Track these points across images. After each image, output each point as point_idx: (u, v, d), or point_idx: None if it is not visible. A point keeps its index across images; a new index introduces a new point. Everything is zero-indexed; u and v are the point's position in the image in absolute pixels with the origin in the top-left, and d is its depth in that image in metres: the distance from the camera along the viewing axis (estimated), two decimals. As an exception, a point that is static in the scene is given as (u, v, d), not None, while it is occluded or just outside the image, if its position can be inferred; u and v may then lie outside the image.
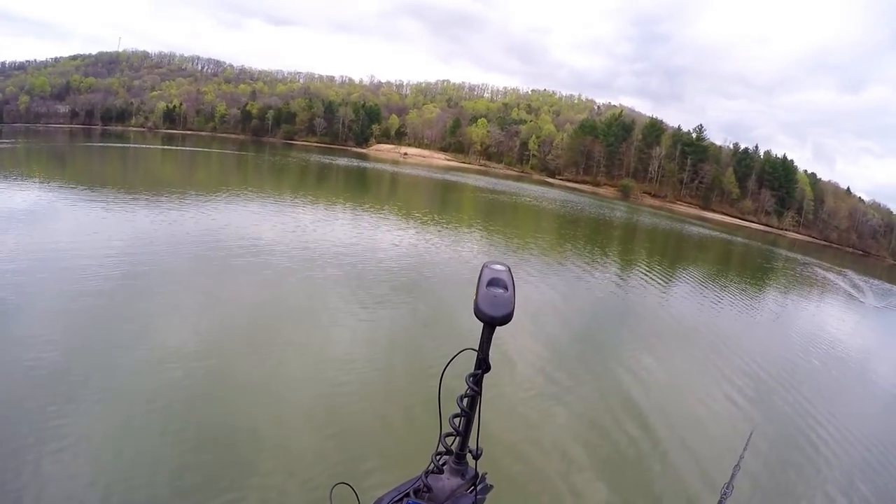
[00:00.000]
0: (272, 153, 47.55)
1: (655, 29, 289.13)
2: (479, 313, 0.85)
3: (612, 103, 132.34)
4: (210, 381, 4.41)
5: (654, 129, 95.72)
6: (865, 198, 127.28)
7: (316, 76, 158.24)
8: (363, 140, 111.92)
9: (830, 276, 25.25)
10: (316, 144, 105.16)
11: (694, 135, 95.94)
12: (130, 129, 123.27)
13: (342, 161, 46.02)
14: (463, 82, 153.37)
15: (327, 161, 42.73)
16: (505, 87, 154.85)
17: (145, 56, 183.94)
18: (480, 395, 0.87)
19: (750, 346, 7.65)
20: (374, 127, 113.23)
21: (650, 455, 4.22)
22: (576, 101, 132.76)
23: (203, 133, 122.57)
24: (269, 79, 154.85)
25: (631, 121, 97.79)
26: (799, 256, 35.37)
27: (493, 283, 0.88)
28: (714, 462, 4.11)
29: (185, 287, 6.34)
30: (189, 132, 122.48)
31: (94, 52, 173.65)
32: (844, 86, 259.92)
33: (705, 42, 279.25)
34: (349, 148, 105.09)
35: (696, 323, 8.59)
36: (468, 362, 0.86)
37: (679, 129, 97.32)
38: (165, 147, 44.44)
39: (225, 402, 4.18)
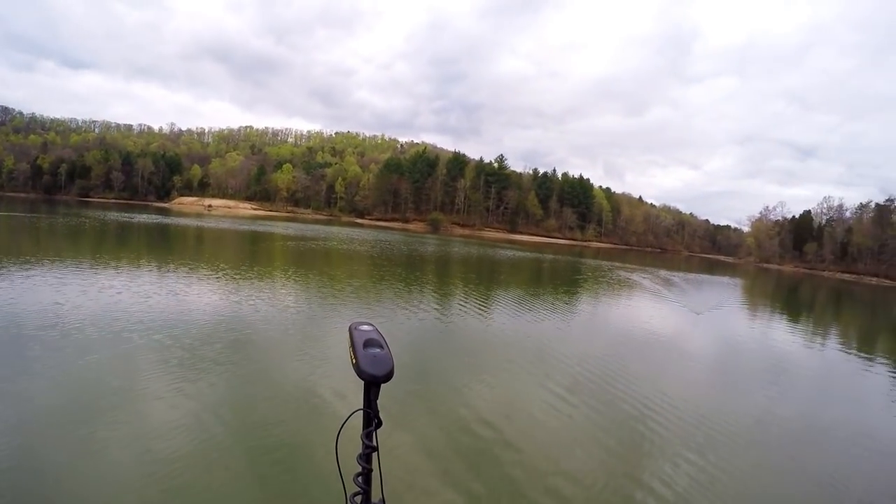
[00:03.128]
0: (66, 213, 40.62)
1: (452, 69, 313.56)
2: (362, 374, 0.90)
3: (415, 141, 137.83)
4: (22, 483, 3.65)
5: (458, 162, 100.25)
6: (656, 203, 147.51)
7: (113, 125, 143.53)
8: (164, 194, 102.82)
9: (635, 276, 26.52)
10: (114, 201, 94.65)
11: (496, 164, 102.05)
12: None
13: (143, 218, 41.21)
14: (266, 128, 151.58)
15: (126, 219, 37.81)
16: (309, 131, 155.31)
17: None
18: (377, 449, 0.93)
19: (571, 351, 8.16)
20: (176, 178, 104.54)
21: (508, 455, 4.43)
22: (379, 141, 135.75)
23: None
24: (63, 128, 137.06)
25: (435, 156, 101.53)
26: (605, 263, 37.57)
27: (369, 343, 0.94)
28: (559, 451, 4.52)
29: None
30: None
31: None
32: (629, 110, 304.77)
33: (499, 79, 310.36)
34: (150, 203, 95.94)
35: (520, 339, 8.83)
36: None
37: (481, 160, 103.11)
38: (-59, 210, 36.78)
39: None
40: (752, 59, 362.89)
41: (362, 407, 0.94)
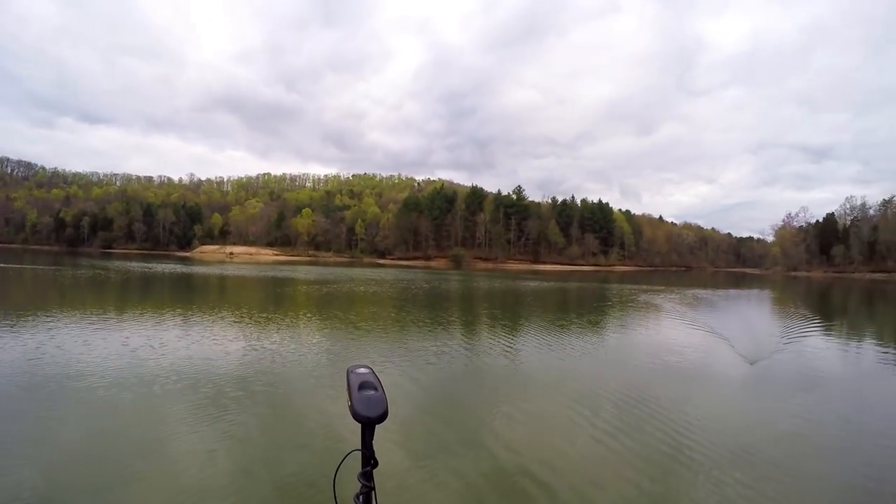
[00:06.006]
0: (90, 265, 40.41)
1: (461, 104, 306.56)
2: (357, 416, 0.93)
3: (432, 178, 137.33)
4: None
5: (476, 196, 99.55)
6: (676, 221, 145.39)
7: (133, 177, 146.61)
8: (186, 243, 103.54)
9: (660, 299, 25.20)
10: (136, 251, 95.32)
11: (514, 196, 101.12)
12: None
13: (166, 267, 41.64)
14: (284, 174, 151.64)
15: (149, 269, 38.20)
16: (326, 175, 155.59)
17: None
18: (374, 489, 0.96)
19: (598, 384, 7.97)
20: (197, 228, 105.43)
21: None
22: (396, 181, 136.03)
23: (13, 245, 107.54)
24: (84, 182, 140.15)
25: (453, 192, 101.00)
26: (630, 287, 36.52)
27: (364, 386, 0.98)
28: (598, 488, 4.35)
29: (6, 429, 5.23)
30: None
31: None
32: (639, 130, 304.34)
33: (509, 111, 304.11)
34: (172, 252, 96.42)
35: (546, 373, 8.75)
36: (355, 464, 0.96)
37: (499, 192, 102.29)
38: (-32, 265, 37.03)
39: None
40: (756, 66, 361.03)
41: (359, 448, 0.96)
